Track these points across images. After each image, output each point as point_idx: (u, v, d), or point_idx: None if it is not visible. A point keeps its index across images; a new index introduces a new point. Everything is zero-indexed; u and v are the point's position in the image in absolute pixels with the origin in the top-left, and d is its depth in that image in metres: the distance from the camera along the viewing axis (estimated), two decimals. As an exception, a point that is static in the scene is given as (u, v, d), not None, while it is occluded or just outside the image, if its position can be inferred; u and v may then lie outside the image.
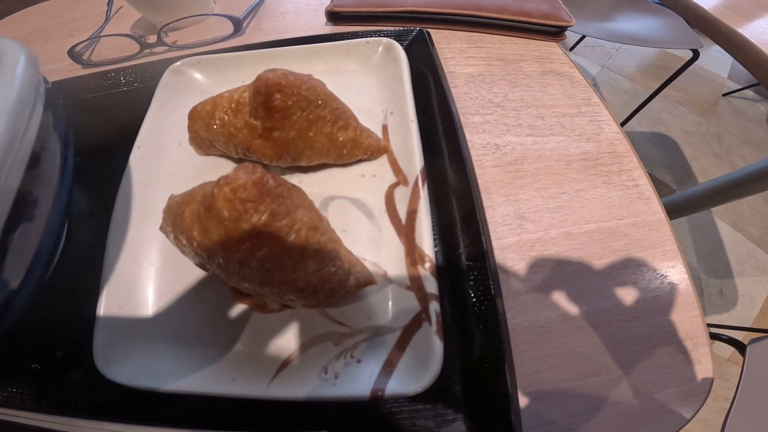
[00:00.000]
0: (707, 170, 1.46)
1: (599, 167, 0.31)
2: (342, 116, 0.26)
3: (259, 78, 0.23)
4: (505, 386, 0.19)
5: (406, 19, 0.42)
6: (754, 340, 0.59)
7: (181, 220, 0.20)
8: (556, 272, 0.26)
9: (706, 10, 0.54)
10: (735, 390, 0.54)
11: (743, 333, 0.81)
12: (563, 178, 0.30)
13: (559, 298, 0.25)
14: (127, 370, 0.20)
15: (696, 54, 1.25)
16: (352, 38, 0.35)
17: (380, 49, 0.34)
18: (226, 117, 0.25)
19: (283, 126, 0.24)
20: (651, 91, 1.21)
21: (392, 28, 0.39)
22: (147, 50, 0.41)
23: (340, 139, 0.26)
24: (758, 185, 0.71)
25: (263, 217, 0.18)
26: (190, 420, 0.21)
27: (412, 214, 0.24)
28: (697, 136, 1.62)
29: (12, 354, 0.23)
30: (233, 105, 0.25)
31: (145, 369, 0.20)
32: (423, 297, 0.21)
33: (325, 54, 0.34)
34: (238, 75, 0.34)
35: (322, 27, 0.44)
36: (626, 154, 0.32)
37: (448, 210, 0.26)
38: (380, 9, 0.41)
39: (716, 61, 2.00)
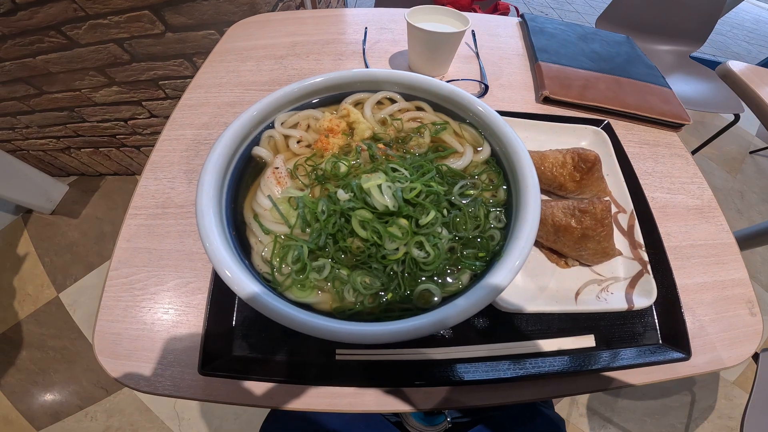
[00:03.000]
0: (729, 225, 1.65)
1: (704, 214, 0.57)
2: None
3: (586, 153, 0.49)
4: (678, 311, 0.42)
5: (590, 109, 0.68)
6: (766, 349, 0.72)
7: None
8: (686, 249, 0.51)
9: (744, 80, 0.77)
10: (749, 394, 0.63)
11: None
12: (685, 217, 0.56)
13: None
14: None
15: (737, 118, 1.40)
16: (558, 119, 0.61)
17: (591, 132, 0.59)
18: (554, 168, 0.51)
19: (585, 177, 0.50)
20: (690, 148, 1.41)
21: (588, 116, 0.65)
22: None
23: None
24: (768, 238, 0.91)
25: (597, 228, 0.44)
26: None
27: (630, 227, 0.48)
28: (723, 192, 1.79)
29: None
30: (559, 161, 0.51)
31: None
32: (642, 262, 0.44)
33: (557, 129, 0.60)
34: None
35: (533, 102, 0.69)
36: (717, 208, 0.57)
37: (643, 223, 0.52)
38: (577, 100, 0.67)
39: (747, 118, 2.17)
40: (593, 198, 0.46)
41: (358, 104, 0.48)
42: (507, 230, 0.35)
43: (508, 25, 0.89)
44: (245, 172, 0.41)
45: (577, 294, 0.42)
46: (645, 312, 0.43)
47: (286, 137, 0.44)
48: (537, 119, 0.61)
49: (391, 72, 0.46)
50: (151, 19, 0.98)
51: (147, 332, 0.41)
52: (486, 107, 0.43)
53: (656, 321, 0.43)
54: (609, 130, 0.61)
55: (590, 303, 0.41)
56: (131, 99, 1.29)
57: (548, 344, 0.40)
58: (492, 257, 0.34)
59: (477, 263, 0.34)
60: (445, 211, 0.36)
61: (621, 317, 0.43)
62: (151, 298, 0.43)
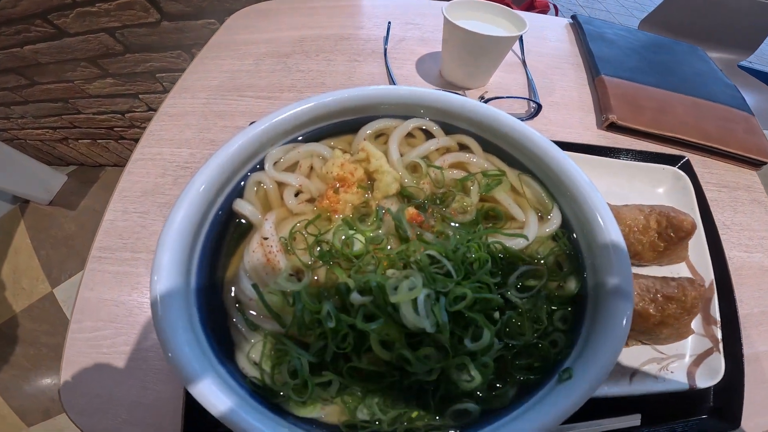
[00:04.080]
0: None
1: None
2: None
3: (680, 219, 0.35)
4: (741, 389, 0.34)
5: (665, 139, 0.53)
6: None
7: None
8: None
9: None
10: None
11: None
12: (760, 280, 0.44)
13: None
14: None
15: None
16: (625, 153, 0.48)
17: (671, 176, 0.45)
18: (632, 233, 0.37)
19: (671, 247, 0.36)
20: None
21: (660, 149, 0.50)
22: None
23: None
24: None
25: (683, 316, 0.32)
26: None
27: (707, 301, 0.38)
28: None
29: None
30: (640, 225, 0.37)
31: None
32: (714, 340, 0.37)
33: (628, 169, 0.46)
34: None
35: (593, 127, 0.55)
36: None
37: (721, 294, 0.39)
38: (651, 129, 0.52)
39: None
40: (683, 281, 0.36)
41: (380, 135, 0.34)
42: (575, 334, 0.27)
43: (557, 26, 0.74)
44: (225, 235, 0.29)
45: (633, 375, 0.36)
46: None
47: (280, 185, 0.31)
48: (601, 154, 0.47)
49: (428, 93, 0.32)
50: (144, 6, 0.86)
51: (119, 394, 0.34)
52: (564, 157, 0.29)
53: (711, 395, 0.38)
54: (689, 169, 0.48)
55: (647, 384, 0.36)
56: (127, 92, 1.18)
57: (588, 426, 0.34)
58: (551, 367, 0.27)
59: (531, 376, 0.27)
60: (496, 314, 0.27)
61: (674, 394, 0.37)
62: (119, 357, 0.36)
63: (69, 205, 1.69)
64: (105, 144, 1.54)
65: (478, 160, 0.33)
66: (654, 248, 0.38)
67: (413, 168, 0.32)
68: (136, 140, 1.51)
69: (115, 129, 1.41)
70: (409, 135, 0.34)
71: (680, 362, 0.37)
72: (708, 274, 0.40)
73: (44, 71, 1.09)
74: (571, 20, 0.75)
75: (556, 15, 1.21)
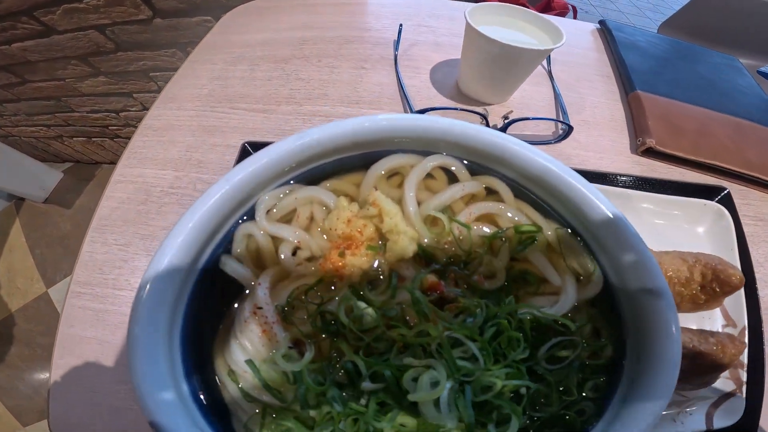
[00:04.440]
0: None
1: None
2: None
3: (728, 274, 0.30)
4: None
5: (703, 166, 0.47)
6: None
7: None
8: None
9: None
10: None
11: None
12: None
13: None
14: None
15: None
16: (660, 184, 0.42)
17: (712, 214, 0.40)
18: (673, 285, 0.32)
19: (711, 300, 0.31)
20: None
21: (701, 179, 0.44)
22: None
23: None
24: None
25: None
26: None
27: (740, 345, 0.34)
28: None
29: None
30: (682, 277, 0.32)
31: None
32: (738, 383, 0.34)
33: (664, 204, 0.40)
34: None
35: (627, 151, 0.49)
36: None
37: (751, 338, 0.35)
38: (691, 156, 0.46)
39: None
40: (723, 338, 0.32)
41: (393, 175, 0.28)
42: (606, 402, 0.24)
43: (583, 32, 0.67)
44: (211, 294, 0.24)
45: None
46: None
47: (275, 240, 0.25)
48: (639, 185, 0.41)
49: (453, 126, 0.26)
50: (134, 2, 0.80)
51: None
52: (610, 208, 0.24)
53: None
54: (729, 203, 0.42)
55: (664, 428, 0.33)
56: (121, 90, 1.12)
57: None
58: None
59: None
60: (523, 389, 0.23)
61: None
62: (109, 396, 0.33)
63: (64, 203, 1.64)
64: (100, 142, 1.48)
65: (509, 211, 0.27)
66: (694, 301, 0.33)
67: (432, 221, 0.26)
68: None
69: (110, 128, 1.36)
70: (428, 175, 0.28)
71: (700, 404, 0.34)
72: (741, 319, 0.36)
73: (35, 69, 1.04)
74: (598, 25, 0.68)
75: (575, 17, 1.13)
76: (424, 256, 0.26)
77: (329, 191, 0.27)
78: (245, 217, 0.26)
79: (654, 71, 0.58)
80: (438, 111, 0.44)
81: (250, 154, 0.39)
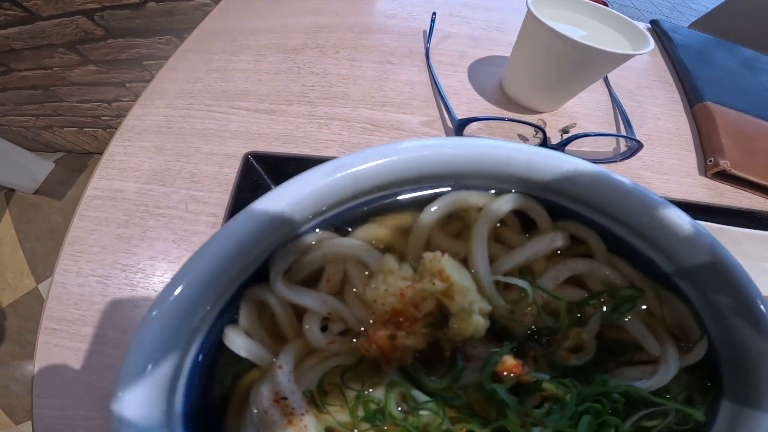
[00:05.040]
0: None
1: None
2: None
3: None
4: None
5: None
6: None
7: None
8: None
9: None
10: None
11: None
12: None
13: None
14: None
15: None
16: (733, 211, 0.34)
17: None
18: None
19: None
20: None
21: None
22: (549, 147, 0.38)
23: None
24: None
25: None
26: None
27: None
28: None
29: None
30: None
31: None
32: None
33: (739, 240, 0.33)
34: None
35: (695, 173, 0.41)
36: None
37: None
38: (764, 182, 0.39)
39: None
40: None
41: (451, 218, 0.20)
42: None
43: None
44: (213, 372, 0.18)
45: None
46: None
47: (296, 309, 0.18)
48: (712, 216, 0.34)
49: (526, 153, 0.18)
50: None
51: None
52: (732, 261, 0.17)
53: None
54: None
55: None
56: (113, 80, 1.04)
57: None
58: None
59: None
60: None
61: None
62: None
63: (55, 195, 1.56)
64: (93, 132, 1.39)
65: (602, 270, 0.20)
66: None
67: (506, 284, 0.19)
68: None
69: (102, 118, 1.27)
70: (502, 222, 0.20)
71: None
72: None
73: (20, 57, 0.95)
74: (649, 25, 0.59)
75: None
76: (495, 333, 0.19)
77: (367, 244, 0.19)
78: (255, 272, 0.18)
79: (718, 80, 0.49)
80: (484, 121, 0.36)
81: (254, 169, 0.31)
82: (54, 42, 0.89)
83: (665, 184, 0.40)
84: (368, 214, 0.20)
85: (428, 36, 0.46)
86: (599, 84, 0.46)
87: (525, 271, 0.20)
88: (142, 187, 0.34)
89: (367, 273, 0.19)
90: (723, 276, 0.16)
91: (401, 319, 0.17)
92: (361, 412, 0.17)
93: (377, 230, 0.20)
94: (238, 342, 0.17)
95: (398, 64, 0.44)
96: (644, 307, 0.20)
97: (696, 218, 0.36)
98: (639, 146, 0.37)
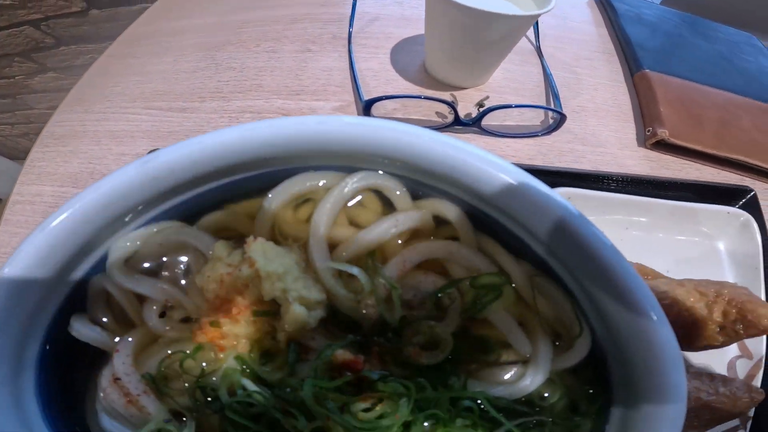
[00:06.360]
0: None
1: None
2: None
3: (757, 315, 0.23)
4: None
5: (724, 161, 0.39)
6: None
7: None
8: None
9: None
10: None
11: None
12: None
13: None
14: None
15: None
16: (674, 184, 0.35)
17: (737, 225, 0.32)
18: (688, 325, 0.25)
19: (728, 341, 0.25)
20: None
21: (721, 176, 0.37)
22: (457, 126, 0.36)
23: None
24: None
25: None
26: None
27: (750, 378, 0.30)
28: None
29: None
30: (699, 315, 0.25)
31: None
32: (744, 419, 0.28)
33: (678, 213, 0.33)
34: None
35: (633, 144, 0.40)
36: None
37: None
38: (713, 151, 0.38)
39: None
40: (737, 390, 0.26)
41: (305, 202, 0.20)
42: None
43: (578, 4, 0.56)
44: (67, 362, 0.18)
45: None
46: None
47: (138, 298, 0.18)
48: (646, 189, 0.34)
49: (381, 130, 0.18)
50: None
51: None
52: (604, 242, 0.16)
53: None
54: (755, 208, 0.35)
55: None
56: (73, 86, 1.05)
57: None
58: None
59: None
60: None
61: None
62: None
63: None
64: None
65: (462, 253, 0.19)
66: (710, 340, 0.26)
67: (348, 278, 0.18)
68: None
69: (76, 127, 1.29)
70: (358, 203, 0.20)
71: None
72: (759, 349, 0.31)
73: None
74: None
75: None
76: (346, 322, 0.18)
77: (202, 232, 0.19)
78: (98, 262, 0.18)
79: (664, 49, 0.48)
80: (393, 100, 0.36)
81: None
82: (8, 52, 0.91)
83: (598, 156, 0.39)
84: (221, 201, 0.20)
85: (351, 19, 0.45)
86: (532, 56, 0.45)
87: (372, 256, 0.19)
88: (57, 189, 0.35)
89: (203, 260, 0.19)
90: (576, 243, 0.15)
91: (229, 307, 0.17)
92: (200, 397, 0.17)
93: (225, 217, 0.20)
94: (80, 330, 0.17)
95: (318, 52, 0.44)
96: (513, 296, 0.18)
97: (627, 192, 0.35)
98: (562, 118, 0.36)
